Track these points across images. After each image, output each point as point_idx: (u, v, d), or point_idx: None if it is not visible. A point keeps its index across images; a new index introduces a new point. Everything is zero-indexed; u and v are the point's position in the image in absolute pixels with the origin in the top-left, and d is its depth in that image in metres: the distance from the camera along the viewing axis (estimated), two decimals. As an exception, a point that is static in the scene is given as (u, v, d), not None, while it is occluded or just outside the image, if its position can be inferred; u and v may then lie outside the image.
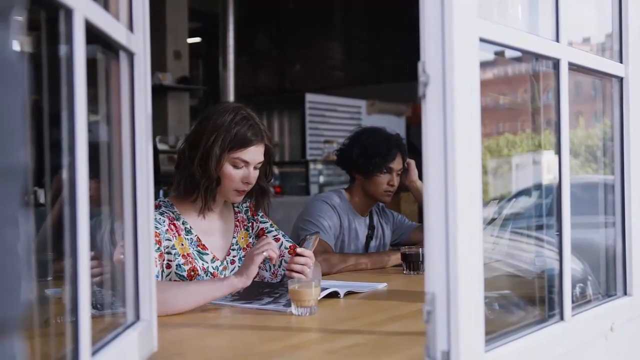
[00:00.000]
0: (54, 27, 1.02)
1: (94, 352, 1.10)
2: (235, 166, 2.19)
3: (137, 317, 1.37)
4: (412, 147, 4.26)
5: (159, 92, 7.26)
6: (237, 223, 2.39)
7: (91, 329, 1.04)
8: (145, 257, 1.39)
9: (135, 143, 1.36)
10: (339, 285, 2.20)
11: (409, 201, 6.83)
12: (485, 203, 1.37)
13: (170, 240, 2.15)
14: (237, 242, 2.36)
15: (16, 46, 0.61)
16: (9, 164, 0.59)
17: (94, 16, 1.09)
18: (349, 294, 2.19)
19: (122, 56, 1.34)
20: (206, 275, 2.21)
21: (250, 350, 1.57)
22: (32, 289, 0.62)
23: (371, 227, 3.16)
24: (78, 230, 1.01)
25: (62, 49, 1.02)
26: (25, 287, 0.61)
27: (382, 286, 2.36)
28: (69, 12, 1.00)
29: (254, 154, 2.21)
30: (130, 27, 1.35)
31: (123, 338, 1.26)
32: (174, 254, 2.16)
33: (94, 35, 1.13)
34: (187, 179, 2.21)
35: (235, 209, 2.41)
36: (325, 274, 2.69)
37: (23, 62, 0.61)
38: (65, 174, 1.01)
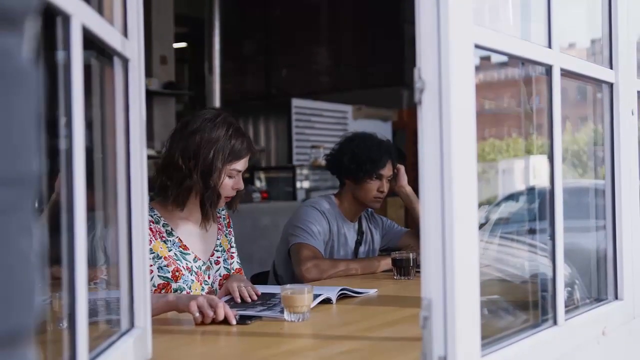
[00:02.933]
0: (50, 32, 1.02)
1: (91, 360, 1.09)
2: (230, 176, 2.29)
3: (132, 325, 1.36)
4: (399, 152, 4.27)
5: (145, 97, 7.22)
6: (220, 227, 2.46)
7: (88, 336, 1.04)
8: (140, 265, 1.38)
9: (130, 149, 1.36)
10: (331, 290, 2.20)
11: (395, 206, 6.85)
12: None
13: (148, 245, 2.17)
14: (220, 244, 2.43)
15: (29, 54, 0.60)
16: (23, 172, 0.58)
17: (91, 22, 1.09)
18: (342, 297, 2.19)
19: (117, 62, 1.34)
20: (190, 275, 2.25)
21: (244, 357, 1.56)
22: (43, 297, 0.62)
23: (360, 233, 3.16)
24: (75, 237, 1.00)
25: (59, 55, 1.01)
26: (39, 296, 0.60)
27: (373, 292, 2.37)
28: (66, 18, 0.99)
29: (245, 162, 2.33)
30: (125, 33, 1.35)
31: (119, 345, 1.25)
32: (153, 258, 2.19)
33: (89, 41, 1.12)
34: (186, 192, 2.25)
35: (216, 213, 2.46)
36: (315, 280, 2.69)
37: (36, 70, 0.61)
38: (62, 180, 1.00)
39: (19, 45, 0.59)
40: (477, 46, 1.25)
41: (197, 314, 1.82)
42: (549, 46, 1.53)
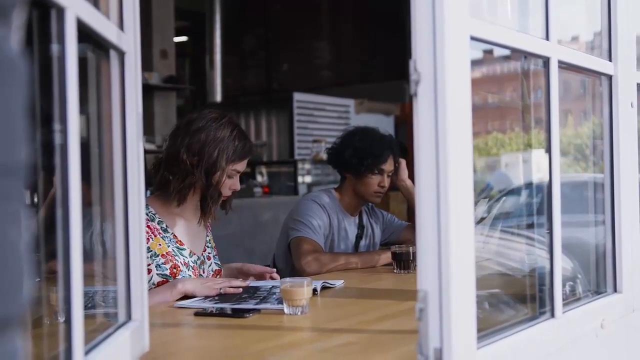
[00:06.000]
0: (44, 25, 1.02)
1: (87, 352, 1.09)
2: (229, 176, 2.33)
3: (129, 317, 1.37)
4: (401, 146, 4.27)
5: (146, 92, 7.20)
6: (208, 224, 2.50)
7: (84, 329, 1.04)
8: (137, 258, 1.38)
9: (126, 143, 1.36)
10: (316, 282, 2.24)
11: (397, 200, 6.85)
12: (475, 202, 1.37)
13: (146, 243, 2.19)
14: (209, 240, 2.48)
15: (17, 45, 0.61)
16: (11, 162, 0.59)
17: (86, 15, 1.08)
18: (343, 291, 2.22)
19: (113, 55, 1.33)
20: (187, 270, 2.29)
21: (242, 350, 1.56)
22: (33, 287, 0.62)
23: (361, 227, 3.16)
24: (70, 230, 1.00)
25: (54, 48, 1.01)
26: (27, 285, 0.61)
27: (340, 283, 2.39)
28: (60, 11, 0.99)
29: (245, 164, 2.38)
30: (121, 25, 1.35)
31: (115, 338, 1.25)
32: (151, 256, 2.21)
33: (85, 34, 1.12)
34: (188, 188, 2.28)
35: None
36: (316, 274, 2.70)
37: (24, 60, 0.61)
38: (57, 175, 1.00)
39: (6, 36, 0.59)
40: (473, 38, 1.24)
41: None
42: (547, 38, 1.52)
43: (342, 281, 2.43)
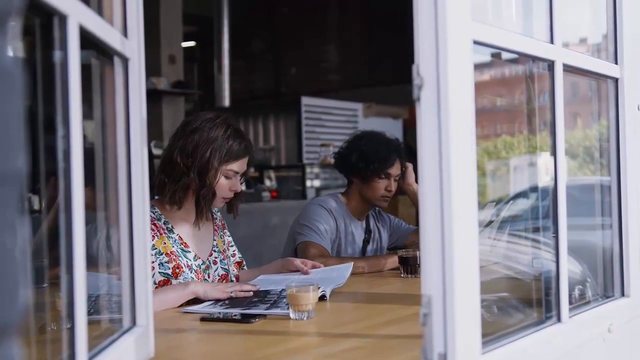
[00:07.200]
0: (47, 32, 1.02)
1: (91, 358, 1.10)
2: (227, 177, 2.31)
3: (134, 323, 1.37)
4: (409, 150, 4.26)
5: (154, 97, 7.23)
6: (216, 228, 2.50)
7: (87, 335, 1.04)
8: (141, 263, 1.38)
9: (131, 148, 1.36)
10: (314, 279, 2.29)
11: (406, 204, 6.83)
12: (483, 205, 1.36)
13: (151, 241, 2.19)
14: (216, 244, 2.46)
15: (13, 53, 0.61)
16: (8, 170, 0.59)
17: (88, 22, 1.09)
18: (346, 294, 2.23)
19: (117, 61, 1.34)
20: (190, 272, 2.29)
21: (248, 356, 1.56)
22: (30, 295, 0.62)
23: (368, 231, 3.16)
24: (74, 236, 1.00)
25: (57, 55, 1.02)
26: (24, 292, 0.61)
27: (348, 266, 2.44)
28: (63, 18, 1.00)
29: (244, 164, 2.35)
30: (125, 32, 1.35)
31: (119, 343, 1.25)
32: (155, 254, 2.22)
33: (88, 40, 1.13)
34: (182, 189, 2.28)
35: (212, 214, 2.51)
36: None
37: (20, 69, 0.61)
38: (60, 180, 1.01)
39: (2, 45, 0.59)
40: (476, 42, 1.24)
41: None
42: (551, 42, 1.52)
43: (352, 264, 2.49)
